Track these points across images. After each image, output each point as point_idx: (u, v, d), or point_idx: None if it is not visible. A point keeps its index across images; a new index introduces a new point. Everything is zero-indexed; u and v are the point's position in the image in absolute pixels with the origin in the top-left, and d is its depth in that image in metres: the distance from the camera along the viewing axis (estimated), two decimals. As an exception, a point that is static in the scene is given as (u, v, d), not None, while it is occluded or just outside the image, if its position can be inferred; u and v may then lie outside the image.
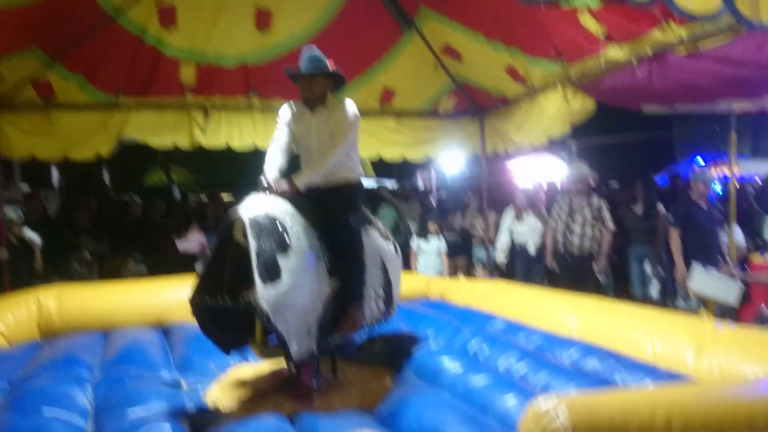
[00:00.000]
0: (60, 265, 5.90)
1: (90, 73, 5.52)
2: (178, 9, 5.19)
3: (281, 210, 3.23)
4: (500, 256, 6.93)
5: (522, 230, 6.78)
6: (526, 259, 6.79)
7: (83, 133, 5.74)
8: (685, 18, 3.34)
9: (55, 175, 14.40)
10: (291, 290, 2.99)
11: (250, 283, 2.87)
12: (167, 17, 5.26)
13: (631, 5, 2.93)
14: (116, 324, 4.65)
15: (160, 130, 6.04)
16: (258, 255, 2.92)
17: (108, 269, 6.43)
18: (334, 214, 3.51)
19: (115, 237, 6.77)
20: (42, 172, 13.23)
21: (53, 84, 5.45)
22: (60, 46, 5.08)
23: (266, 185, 3.30)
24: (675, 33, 4.05)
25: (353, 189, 3.65)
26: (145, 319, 4.77)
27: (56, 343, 4.18)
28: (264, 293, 2.86)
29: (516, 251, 6.93)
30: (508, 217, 6.88)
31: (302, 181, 3.38)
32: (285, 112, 3.64)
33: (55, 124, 5.62)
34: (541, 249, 6.68)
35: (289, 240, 3.10)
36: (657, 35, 4.18)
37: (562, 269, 6.27)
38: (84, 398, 3.11)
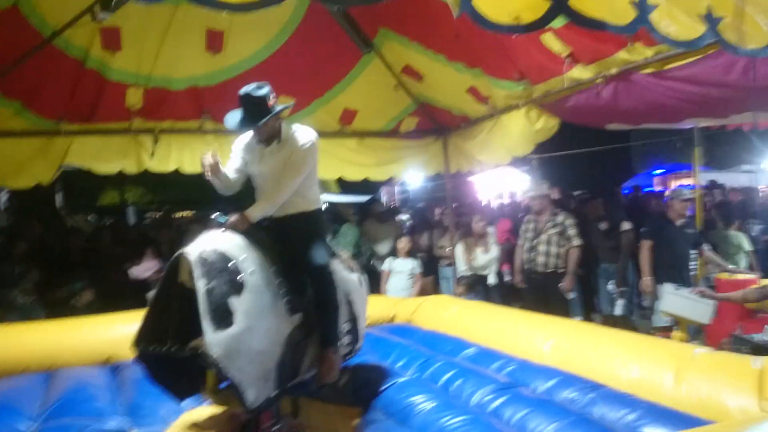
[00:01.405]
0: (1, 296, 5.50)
1: (28, 99, 5.16)
2: (122, 30, 4.92)
3: (233, 245, 3.00)
4: (459, 289, 6.65)
5: (481, 262, 6.60)
6: (485, 290, 6.64)
7: (21, 160, 5.36)
8: (670, 45, 3.27)
9: (2, 195, 13.79)
10: (245, 334, 2.76)
11: (199, 328, 2.63)
12: (111, 40, 4.97)
13: (611, 31, 2.84)
14: (61, 364, 4.32)
15: (106, 156, 5.69)
16: (207, 296, 2.68)
17: (56, 301, 6.03)
18: (295, 247, 3.33)
19: (61, 266, 6.35)
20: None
21: (-14, 110, 5.08)
22: (-6, 71, 4.73)
23: (219, 222, 3.09)
24: (641, 53, 3.99)
25: (312, 219, 3.47)
26: (92, 358, 4.46)
27: (-10, 388, 3.83)
28: (214, 339, 2.62)
29: (474, 281, 6.74)
30: (459, 250, 6.65)
31: (255, 213, 3.18)
32: (240, 143, 3.47)
33: (-9, 152, 5.24)
34: (500, 275, 6.58)
35: (243, 278, 2.87)
36: (623, 56, 4.12)
37: (528, 289, 6.16)
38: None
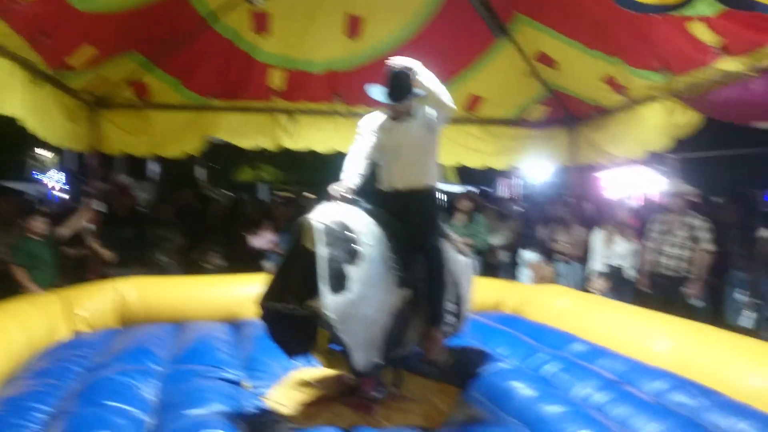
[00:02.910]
0: (145, 255, 6.12)
1: (185, 76, 5.72)
2: (271, 15, 5.25)
3: (354, 217, 3.15)
4: (598, 284, 6.35)
5: (618, 252, 6.29)
6: (618, 283, 6.31)
7: (173, 132, 5.97)
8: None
9: (152, 168, 15.28)
10: (358, 300, 2.91)
11: (316, 290, 2.80)
12: (261, 23, 5.34)
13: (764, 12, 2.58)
14: (190, 317, 4.76)
15: (246, 131, 6.17)
16: (326, 263, 2.84)
17: (191, 262, 6.61)
18: (410, 222, 3.40)
19: (199, 230, 6.93)
20: (140, 165, 14.00)
21: (150, 85, 5.68)
22: (158, 50, 5.27)
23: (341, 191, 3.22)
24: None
25: (429, 195, 3.55)
26: (217, 314, 4.86)
27: (132, 332, 4.31)
28: (330, 302, 2.79)
29: (608, 275, 6.42)
30: (598, 240, 6.35)
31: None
32: (368, 121, 3.58)
33: (149, 123, 5.87)
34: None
35: (360, 249, 3.01)
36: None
37: (652, 292, 5.81)
38: (149, 392, 3.16)
